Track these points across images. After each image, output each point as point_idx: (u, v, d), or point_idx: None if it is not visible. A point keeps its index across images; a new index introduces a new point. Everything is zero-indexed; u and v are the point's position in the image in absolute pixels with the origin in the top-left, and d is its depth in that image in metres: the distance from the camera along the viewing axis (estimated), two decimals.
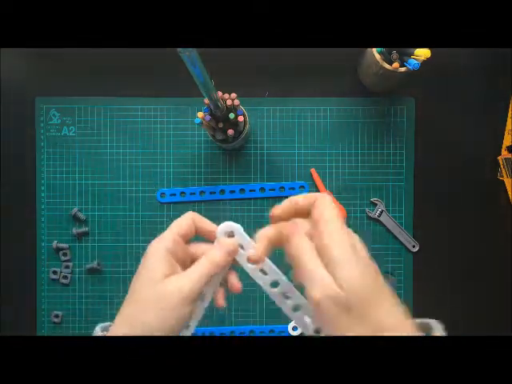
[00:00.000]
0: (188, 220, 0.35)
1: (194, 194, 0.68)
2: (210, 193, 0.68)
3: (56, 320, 0.68)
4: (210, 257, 0.34)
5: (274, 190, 0.68)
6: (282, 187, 0.68)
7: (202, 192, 0.68)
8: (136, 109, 0.68)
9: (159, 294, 0.32)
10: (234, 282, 0.35)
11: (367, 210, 0.68)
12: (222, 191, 0.68)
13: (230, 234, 0.35)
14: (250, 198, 0.68)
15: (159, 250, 0.33)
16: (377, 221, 0.68)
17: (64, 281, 0.68)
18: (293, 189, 0.68)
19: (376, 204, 0.67)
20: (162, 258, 0.33)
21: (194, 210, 0.69)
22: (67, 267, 0.68)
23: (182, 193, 0.68)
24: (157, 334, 0.31)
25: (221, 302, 0.35)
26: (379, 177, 0.68)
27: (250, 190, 0.68)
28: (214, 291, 0.35)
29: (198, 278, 0.32)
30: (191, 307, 0.32)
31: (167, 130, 0.68)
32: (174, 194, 0.68)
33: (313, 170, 0.67)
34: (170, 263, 0.33)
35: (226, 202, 0.68)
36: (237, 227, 0.35)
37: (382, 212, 0.67)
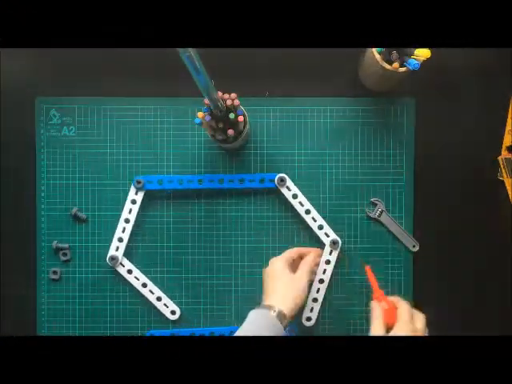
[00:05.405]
0: (294, 252, 0.63)
1: (191, 181, 0.66)
2: (209, 181, 0.66)
3: (56, 319, 0.68)
4: (308, 261, 0.62)
5: (273, 180, 0.66)
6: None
7: (200, 180, 0.66)
8: (136, 109, 0.68)
9: (293, 279, 0.58)
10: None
11: (367, 210, 0.68)
12: (221, 180, 0.66)
13: None
14: (249, 189, 0.67)
15: (282, 261, 0.60)
16: (377, 221, 0.68)
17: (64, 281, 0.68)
18: None
19: (376, 204, 0.67)
20: (285, 266, 0.60)
21: (193, 210, 0.70)
22: (67, 267, 0.68)
23: (180, 181, 0.66)
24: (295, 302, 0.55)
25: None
26: (379, 177, 0.68)
27: (250, 180, 0.66)
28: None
29: (307, 272, 0.60)
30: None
31: (167, 129, 0.68)
32: (172, 181, 0.66)
33: (368, 268, 0.59)
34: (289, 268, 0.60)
35: (226, 203, 0.68)
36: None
37: (381, 212, 0.67)
